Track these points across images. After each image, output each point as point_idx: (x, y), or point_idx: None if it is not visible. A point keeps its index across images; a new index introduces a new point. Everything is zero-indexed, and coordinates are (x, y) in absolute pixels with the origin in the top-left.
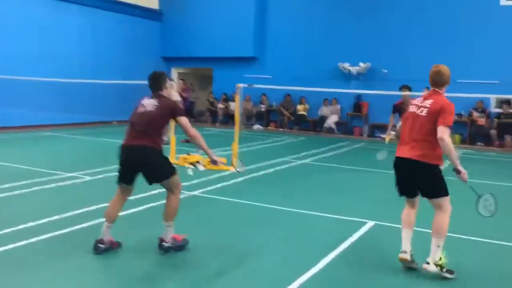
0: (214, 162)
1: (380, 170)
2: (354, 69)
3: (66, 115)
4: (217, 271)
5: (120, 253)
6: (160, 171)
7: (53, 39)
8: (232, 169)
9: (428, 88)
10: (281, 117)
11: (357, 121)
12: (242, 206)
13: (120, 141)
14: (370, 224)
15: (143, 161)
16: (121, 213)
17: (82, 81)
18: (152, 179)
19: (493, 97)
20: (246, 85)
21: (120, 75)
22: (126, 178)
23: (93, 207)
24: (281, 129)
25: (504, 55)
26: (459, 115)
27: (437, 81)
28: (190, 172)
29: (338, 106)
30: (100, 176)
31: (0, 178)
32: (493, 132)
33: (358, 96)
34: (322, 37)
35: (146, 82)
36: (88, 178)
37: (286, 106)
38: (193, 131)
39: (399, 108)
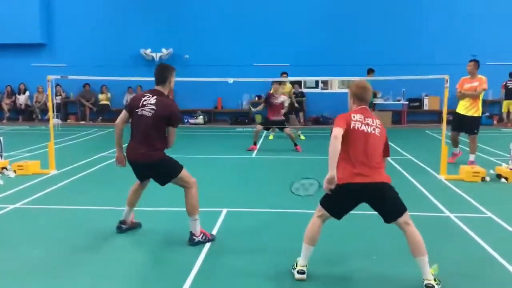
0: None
1: (207, 156)
2: (156, 55)
3: None
4: None
5: None
6: (168, 172)
7: None
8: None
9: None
10: (81, 109)
11: None
12: (81, 212)
13: None
14: (224, 211)
15: (151, 172)
16: None
17: None
18: (163, 181)
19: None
20: (58, 77)
21: None
22: (140, 177)
23: None
24: (83, 122)
25: (292, 41)
26: (259, 96)
27: (367, 98)
28: None
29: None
30: None
31: None
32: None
33: None
34: (120, 23)
35: None
36: None
37: (86, 96)
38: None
39: (269, 100)
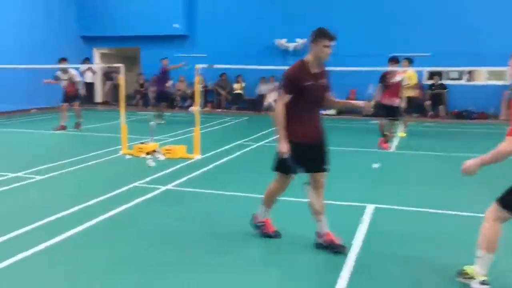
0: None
1: (352, 148)
2: (291, 45)
3: None
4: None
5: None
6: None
7: None
8: None
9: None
10: (217, 97)
11: None
12: (226, 198)
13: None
14: (370, 207)
15: None
16: None
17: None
18: None
19: (425, 70)
20: (205, 66)
21: (34, 59)
22: None
23: (53, 217)
24: (218, 110)
25: (436, 29)
26: None
27: None
28: (151, 163)
29: (276, 84)
30: (53, 174)
31: None
32: (428, 103)
33: None
34: (257, 13)
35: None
36: (39, 177)
37: (223, 85)
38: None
39: (385, 78)
